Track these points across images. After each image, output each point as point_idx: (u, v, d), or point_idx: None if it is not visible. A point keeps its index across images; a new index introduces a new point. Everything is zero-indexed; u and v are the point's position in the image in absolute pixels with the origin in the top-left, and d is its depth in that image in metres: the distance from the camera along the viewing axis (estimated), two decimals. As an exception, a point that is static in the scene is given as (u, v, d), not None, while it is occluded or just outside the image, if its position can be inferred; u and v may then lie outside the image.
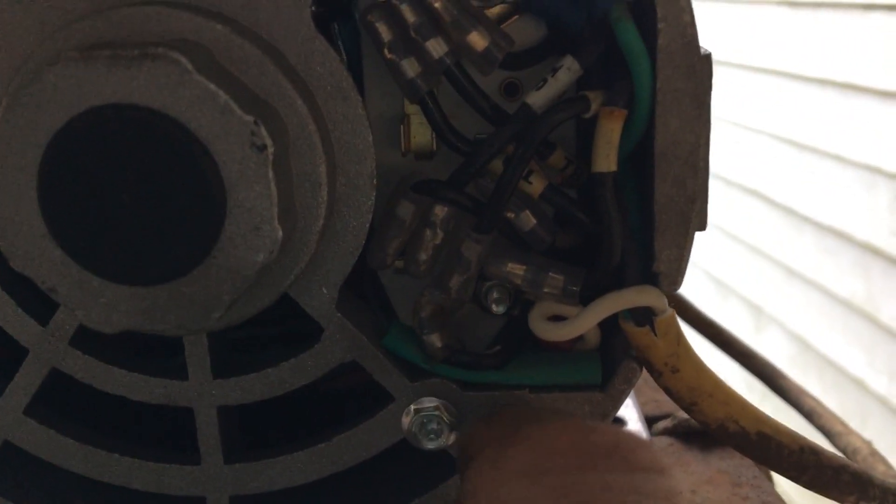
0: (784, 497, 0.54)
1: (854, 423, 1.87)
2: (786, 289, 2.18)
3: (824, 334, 2.05)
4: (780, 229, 2.19)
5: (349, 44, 0.43)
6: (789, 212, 2.14)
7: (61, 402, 0.42)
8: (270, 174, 0.32)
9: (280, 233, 0.33)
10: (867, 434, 1.77)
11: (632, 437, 0.32)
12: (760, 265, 2.28)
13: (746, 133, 2.31)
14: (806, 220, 2.08)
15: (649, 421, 0.57)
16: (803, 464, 0.40)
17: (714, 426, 0.39)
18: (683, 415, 0.54)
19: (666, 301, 0.38)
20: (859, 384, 1.93)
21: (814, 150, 2.03)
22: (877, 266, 1.87)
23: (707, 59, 0.35)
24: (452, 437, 0.40)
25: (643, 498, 0.28)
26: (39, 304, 0.40)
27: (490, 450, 0.32)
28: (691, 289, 2.50)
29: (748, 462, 0.53)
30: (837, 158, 1.95)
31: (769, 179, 2.22)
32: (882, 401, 1.86)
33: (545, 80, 0.37)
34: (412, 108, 0.40)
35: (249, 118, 0.32)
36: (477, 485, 0.31)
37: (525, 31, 0.39)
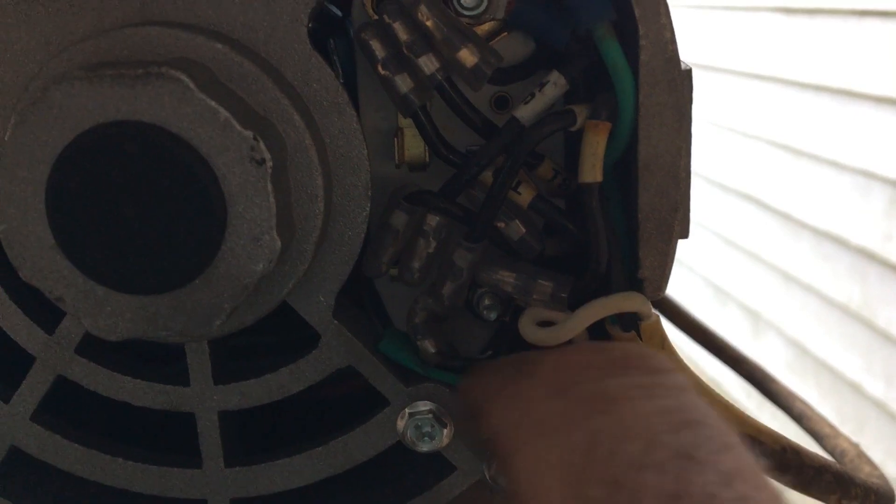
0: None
1: (851, 427, 1.87)
2: (783, 294, 2.19)
3: (821, 339, 2.06)
4: (777, 235, 2.20)
5: (344, 58, 0.45)
6: (786, 217, 2.15)
7: (67, 407, 0.44)
8: (269, 187, 0.34)
9: (279, 243, 0.34)
10: (864, 439, 1.77)
11: (638, 346, 0.35)
12: (758, 271, 2.30)
13: (743, 139, 2.32)
14: (803, 225, 2.09)
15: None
16: (786, 463, 0.41)
17: (698, 427, 0.40)
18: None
19: (651, 307, 0.39)
20: (856, 389, 1.94)
21: (810, 156, 2.05)
22: (873, 271, 1.88)
23: (688, 73, 0.37)
24: (446, 440, 0.41)
25: (665, 390, 0.30)
26: (46, 313, 0.41)
27: (506, 389, 0.34)
28: (689, 294, 2.52)
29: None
30: (833, 164, 1.96)
31: (766, 185, 2.24)
32: (879, 405, 1.87)
33: (533, 95, 0.38)
34: (406, 122, 0.41)
35: (249, 134, 0.33)
36: (508, 420, 0.32)
37: (513, 48, 0.40)
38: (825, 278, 2.02)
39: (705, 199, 2.41)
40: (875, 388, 1.89)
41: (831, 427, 0.67)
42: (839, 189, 1.95)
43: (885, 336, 1.85)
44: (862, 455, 0.61)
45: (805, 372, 2.11)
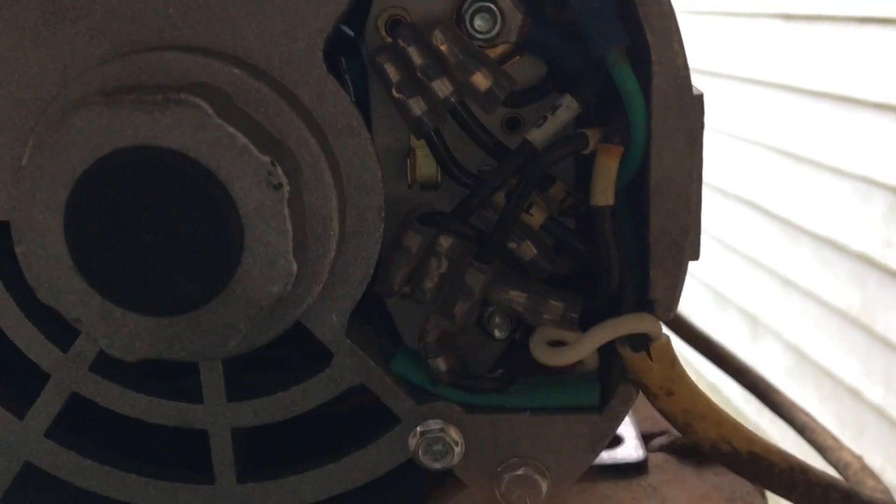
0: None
1: (850, 433, 1.87)
2: (783, 300, 2.20)
3: (821, 345, 2.06)
4: (777, 240, 2.21)
5: (356, 78, 0.45)
6: (786, 223, 2.16)
7: (81, 423, 0.44)
8: (286, 211, 0.34)
9: (295, 266, 0.35)
10: (864, 445, 1.78)
11: None
12: (758, 276, 2.30)
13: (744, 145, 2.33)
14: (803, 231, 2.09)
15: (646, 438, 0.59)
16: (793, 482, 0.42)
17: (707, 446, 0.41)
18: (679, 432, 0.56)
19: (661, 328, 0.40)
20: (856, 394, 1.94)
21: (810, 162, 2.05)
22: (872, 277, 1.88)
23: (699, 98, 0.37)
24: (457, 459, 0.42)
25: None
26: (61, 331, 0.41)
27: None
28: (689, 300, 2.52)
29: (742, 478, 0.54)
30: (833, 170, 1.97)
31: (766, 191, 2.24)
32: (878, 411, 1.88)
33: (545, 118, 0.39)
34: (418, 142, 0.42)
35: (266, 159, 0.33)
36: None
37: (526, 71, 0.41)
38: (825, 284, 2.03)
39: (705, 205, 2.41)
40: (874, 393, 1.89)
41: (835, 439, 0.68)
42: (839, 195, 1.95)
43: (884, 342, 1.85)
44: (865, 468, 0.62)
45: (804, 378, 2.12)
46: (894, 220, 1.81)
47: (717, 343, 0.85)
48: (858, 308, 1.93)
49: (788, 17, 2.13)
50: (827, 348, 2.04)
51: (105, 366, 0.42)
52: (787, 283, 2.17)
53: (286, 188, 0.34)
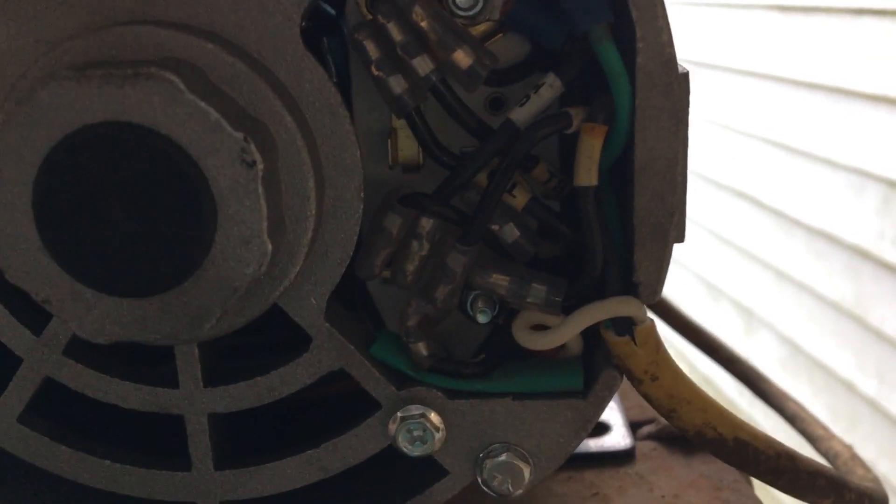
0: (773, 500, 0.55)
1: (844, 425, 1.88)
2: (776, 292, 2.20)
3: (814, 337, 2.06)
4: (770, 232, 2.21)
5: (338, 58, 0.44)
6: (780, 215, 2.15)
7: (55, 409, 0.43)
8: (260, 189, 0.33)
9: (269, 246, 0.34)
10: (857, 437, 1.78)
11: None
12: (751, 268, 2.30)
13: (737, 136, 2.32)
14: (796, 223, 2.09)
15: (634, 426, 0.58)
16: (779, 469, 0.41)
17: (692, 432, 0.40)
18: (667, 420, 0.55)
19: (646, 311, 0.39)
20: (849, 387, 1.94)
21: (804, 154, 2.05)
22: (866, 269, 1.88)
23: (685, 77, 0.36)
24: (438, 444, 0.41)
25: None
26: (33, 314, 0.41)
27: None
28: (683, 292, 2.52)
29: (730, 466, 0.54)
30: (827, 162, 1.96)
31: (760, 183, 2.24)
32: (872, 404, 1.88)
33: (528, 97, 0.38)
34: (399, 122, 0.41)
35: (239, 135, 0.33)
36: None
37: (509, 49, 0.40)
38: (818, 276, 2.03)
39: (699, 196, 2.41)
40: (867, 386, 1.89)
41: (824, 429, 0.67)
42: (833, 187, 1.95)
43: (877, 334, 1.85)
44: (855, 457, 0.61)
45: (798, 370, 2.11)
46: (888, 212, 1.80)
47: (708, 332, 0.85)
48: (852, 300, 1.93)
49: (784, 8, 2.13)
50: (820, 341, 2.04)
51: (79, 350, 0.41)
52: (781, 275, 2.17)
53: (260, 166, 0.33)
